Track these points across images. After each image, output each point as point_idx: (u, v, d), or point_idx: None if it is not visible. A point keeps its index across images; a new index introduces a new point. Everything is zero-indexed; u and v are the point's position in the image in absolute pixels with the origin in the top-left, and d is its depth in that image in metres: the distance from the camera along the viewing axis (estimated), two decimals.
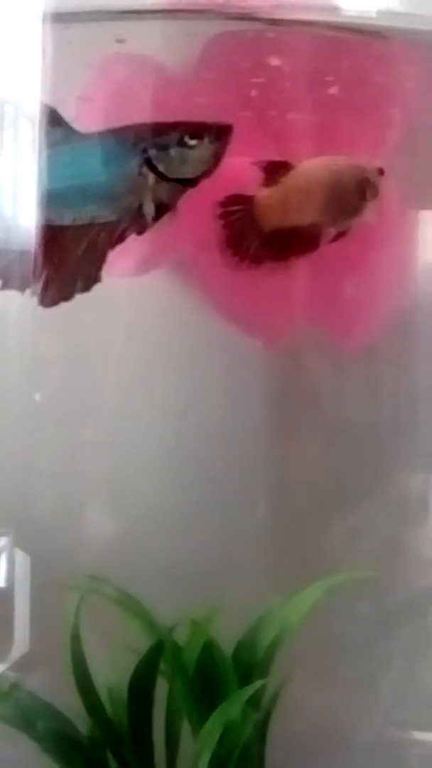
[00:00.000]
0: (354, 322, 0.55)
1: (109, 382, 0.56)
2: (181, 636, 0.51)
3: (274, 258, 0.44)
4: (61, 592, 0.51)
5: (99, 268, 0.43)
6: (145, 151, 0.40)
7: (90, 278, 0.44)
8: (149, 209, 0.41)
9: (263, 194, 0.42)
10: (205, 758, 0.48)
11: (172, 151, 0.40)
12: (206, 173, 0.41)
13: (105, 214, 0.42)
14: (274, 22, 0.41)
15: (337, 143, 0.45)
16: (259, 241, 0.43)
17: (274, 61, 0.40)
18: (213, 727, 0.48)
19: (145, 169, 0.41)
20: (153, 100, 0.44)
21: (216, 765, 0.48)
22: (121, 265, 0.51)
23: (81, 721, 0.51)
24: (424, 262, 0.54)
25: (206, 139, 0.40)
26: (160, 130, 0.40)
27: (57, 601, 0.51)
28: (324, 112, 0.43)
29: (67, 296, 0.44)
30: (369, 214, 0.44)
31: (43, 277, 0.43)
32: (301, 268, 0.53)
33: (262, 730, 0.51)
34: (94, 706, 0.51)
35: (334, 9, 0.39)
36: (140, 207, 0.42)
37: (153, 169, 0.41)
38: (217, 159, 0.41)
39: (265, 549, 0.56)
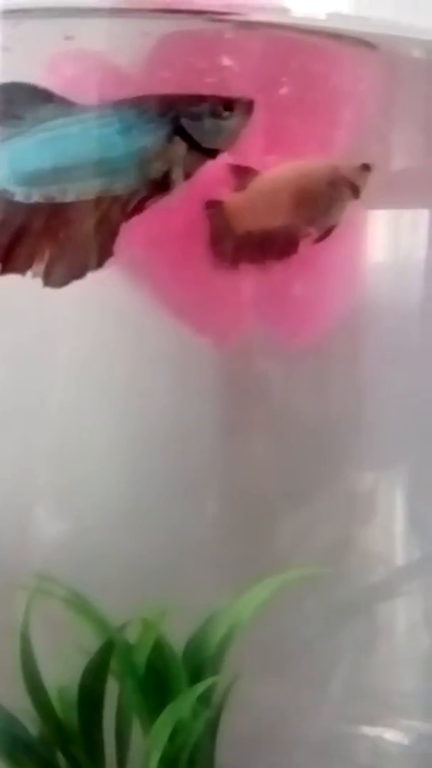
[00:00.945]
0: (303, 320, 0.56)
1: (58, 380, 0.55)
2: (132, 635, 0.51)
3: (250, 260, 0.44)
4: (10, 593, 0.51)
5: (112, 241, 0.42)
6: (176, 119, 0.40)
7: (103, 253, 0.42)
8: (178, 176, 0.40)
9: (232, 198, 0.42)
10: (156, 757, 0.48)
11: (206, 122, 0.40)
12: (228, 146, 0.41)
13: (119, 186, 0.41)
14: (224, 21, 0.41)
15: (288, 143, 0.45)
16: (234, 243, 0.43)
17: (226, 61, 0.40)
18: (163, 726, 0.49)
19: (177, 138, 0.40)
20: (103, 97, 0.44)
21: (166, 763, 0.49)
22: None
23: (30, 721, 0.51)
24: (373, 261, 0.55)
25: (236, 111, 0.40)
26: (191, 99, 0.40)
27: (6, 601, 0.51)
28: (275, 113, 0.43)
29: (78, 274, 0.42)
30: (351, 212, 0.44)
31: (47, 257, 0.42)
32: (250, 267, 0.53)
33: (212, 728, 0.51)
34: (43, 706, 0.51)
35: (284, 11, 0.39)
36: (165, 176, 0.40)
37: (186, 137, 0.40)
38: (240, 133, 0.40)
39: (216, 547, 0.56)
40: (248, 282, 0.54)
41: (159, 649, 0.50)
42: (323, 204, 0.43)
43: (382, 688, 0.57)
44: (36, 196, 0.41)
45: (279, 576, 0.52)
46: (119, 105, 0.40)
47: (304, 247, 0.46)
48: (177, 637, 0.51)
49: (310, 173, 0.43)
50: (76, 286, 0.53)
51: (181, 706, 0.49)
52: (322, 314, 0.56)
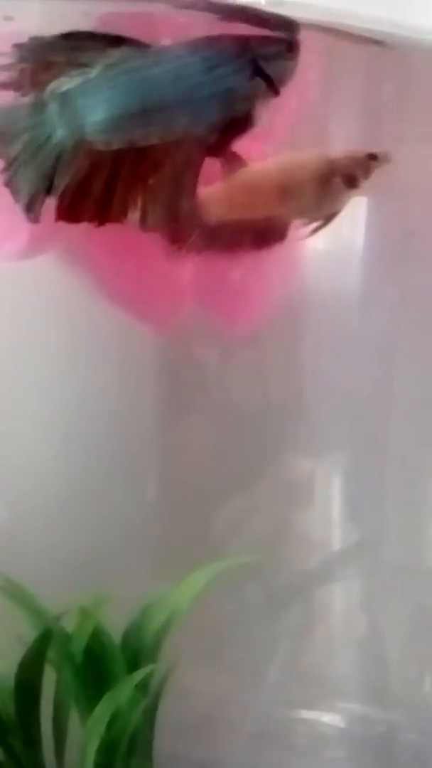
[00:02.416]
0: (242, 308, 0.56)
1: None
2: (70, 624, 0.50)
3: (222, 250, 0.44)
4: None
5: (196, 182, 0.41)
6: (255, 60, 0.39)
7: (191, 194, 0.41)
8: (258, 115, 0.40)
9: (208, 189, 0.42)
10: (93, 745, 0.48)
11: (278, 62, 0.39)
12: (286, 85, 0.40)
13: (202, 127, 0.40)
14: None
15: None
16: (201, 232, 0.43)
17: (166, 43, 0.40)
18: (101, 714, 0.48)
19: (258, 78, 0.39)
20: None
21: (104, 751, 0.48)
22: (8, 248, 0.50)
23: None
24: (312, 249, 0.55)
25: (296, 52, 0.39)
26: (263, 40, 0.39)
27: None
28: None
29: (172, 217, 0.41)
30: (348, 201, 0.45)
31: (140, 203, 0.40)
32: (189, 255, 0.53)
33: (150, 715, 0.51)
34: None
35: None
36: (246, 115, 0.40)
37: (266, 78, 0.40)
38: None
39: (154, 534, 0.56)
40: (188, 270, 0.54)
41: (97, 637, 0.50)
42: (312, 196, 0.44)
43: (319, 672, 0.57)
44: (117, 143, 0.40)
45: (217, 563, 0.52)
46: (197, 46, 0.39)
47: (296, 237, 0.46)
48: (115, 626, 0.51)
49: (295, 166, 0.43)
50: (14, 273, 0.53)
51: (120, 694, 0.49)
52: (261, 302, 0.56)
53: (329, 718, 0.57)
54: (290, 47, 0.39)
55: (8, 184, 0.39)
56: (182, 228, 0.42)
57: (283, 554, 0.57)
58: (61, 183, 0.40)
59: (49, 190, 0.40)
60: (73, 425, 0.56)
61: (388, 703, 0.57)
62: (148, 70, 0.40)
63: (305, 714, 0.57)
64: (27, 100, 0.40)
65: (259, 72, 0.39)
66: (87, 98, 0.40)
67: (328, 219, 0.45)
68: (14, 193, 0.40)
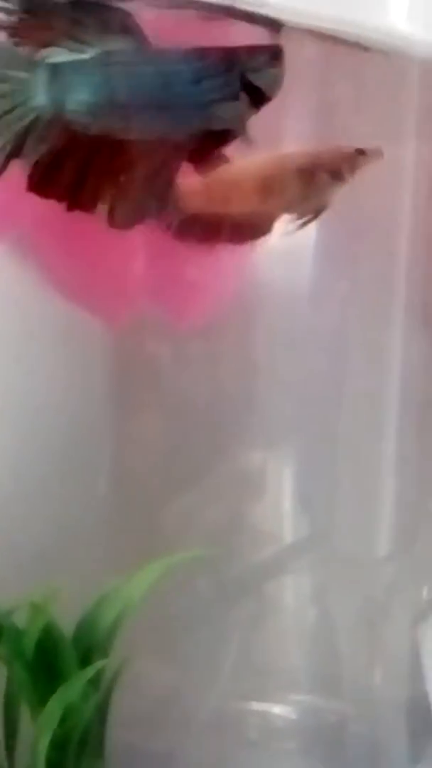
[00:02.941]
0: (193, 302, 0.56)
1: None
2: (21, 619, 0.50)
3: (198, 241, 0.45)
4: None
5: (170, 189, 0.41)
6: (243, 75, 0.39)
7: (162, 200, 0.41)
8: (239, 130, 0.40)
9: (187, 180, 0.42)
10: (45, 740, 0.48)
11: (266, 71, 0.39)
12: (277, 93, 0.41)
13: (182, 133, 0.40)
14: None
15: None
16: (178, 222, 0.43)
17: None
18: (53, 710, 0.48)
19: (243, 94, 0.39)
20: None
21: (56, 747, 0.48)
22: None
23: None
24: (263, 243, 0.55)
25: (282, 60, 0.39)
26: (251, 51, 0.39)
27: None
28: None
29: (139, 219, 0.41)
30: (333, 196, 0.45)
31: (109, 198, 0.40)
32: (139, 248, 0.53)
33: (103, 710, 0.51)
34: None
35: None
36: (226, 130, 0.40)
37: (250, 90, 0.39)
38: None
39: (106, 528, 0.56)
40: (138, 263, 0.53)
41: (48, 632, 0.50)
42: (297, 191, 0.44)
43: (270, 664, 0.58)
44: (95, 128, 0.39)
45: (169, 557, 0.52)
46: (189, 55, 0.39)
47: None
48: (67, 620, 0.50)
49: (278, 163, 0.44)
50: None
51: (72, 689, 0.49)
52: (213, 296, 0.56)
53: (281, 710, 0.57)
54: (276, 55, 0.40)
55: None
56: (160, 216, 0.42)
57: (236, 547, 0.57)
58: (32, 151, 0.39)
59: (17, 153, 0.39)
60: (22, 418, 0.56)
61: (339, 695, 0.57)
62: (141, 67, 0.40)
63: (257, 706, 0.57)
64: (16, 51, 0.40)
65: (247, 86, 0.39)
66: (76, 76, 0.40)
67: (316, 213, 0.45)
68: None
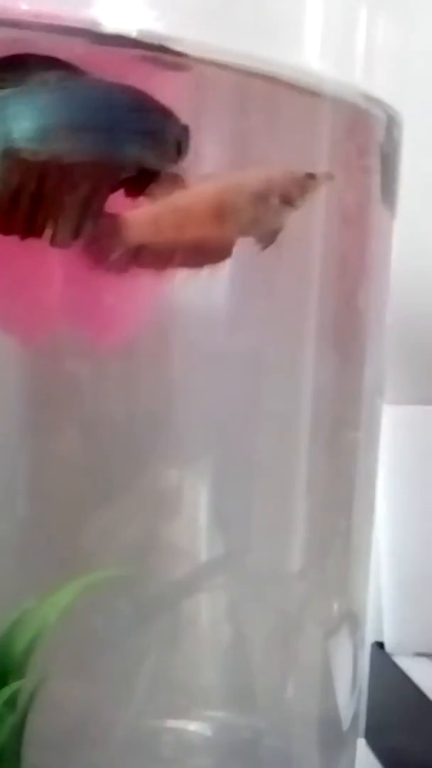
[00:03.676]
0: (111, 321, 0.56)
1: None
2: None
3: (158, 268, 0.46)
4: None
5: (99, 212, 0.43)
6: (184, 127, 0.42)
7: (84, 223, 0.42)
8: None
9: (132, 211, 0.43)
10: None
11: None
12: None
13: (117, 161, 0.41)
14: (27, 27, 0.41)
15: None
16: (123, 253, 0.44)
17: None
18: None
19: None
20: None
21: None
22: None
23: None
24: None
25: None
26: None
27: None
28: None
29: (74, 237, 0.42)
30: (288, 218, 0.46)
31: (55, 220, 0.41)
32: (56, 266, 0.53)
33: (18, 731, 0.51)
34: None
35: (95, 24, 0.40)
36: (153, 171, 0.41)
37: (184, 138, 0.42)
38: None
39: (21, 548, 0.56)
40: (55, 281, 0.53)
41: None
42: (250, 215, 0.45)
43: (185, 681, 0.58)
44: (44, 155, 0.40)
45: (85, 577, 0.52)
46: (128, 87, 0.41)
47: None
48: None
49: (232, 188, 0.45)
50: None
51: None
52: (130, 316, 0.56)
53: (196, 727, 0.58)
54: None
55: None
56: (101, 248, 0.43)
57: (152, 565, 0.57)
58: None
59: None
60: None
61: (253, 710, 0.58)
62: (81, 91, 0.40)
63: (172, 723, 0.58)
64: None
65: (181, 132, 0.41)
66: (18, 105, 0.40)
67: (271, 236, 0.46)
68: None
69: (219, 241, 0.46)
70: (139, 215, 0.44)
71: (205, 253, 0.46)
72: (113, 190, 0.42)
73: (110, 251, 0.44)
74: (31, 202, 0.40)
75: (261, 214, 0.45)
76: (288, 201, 0.45)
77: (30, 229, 0.41)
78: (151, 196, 0.43)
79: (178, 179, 0.43)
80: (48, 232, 0.42)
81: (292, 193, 0.45)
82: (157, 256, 0.46)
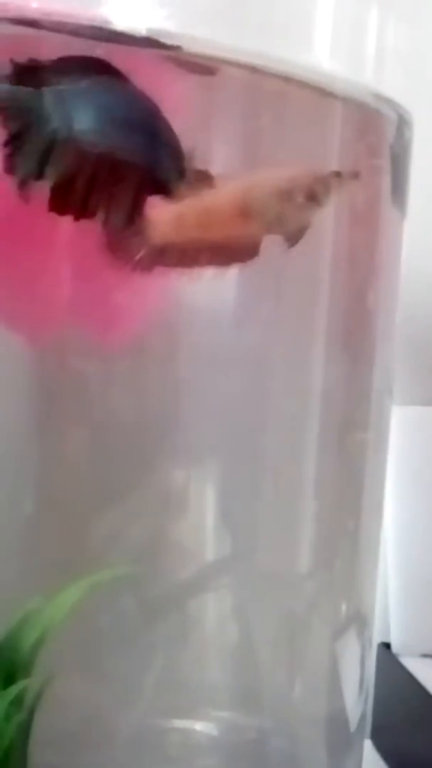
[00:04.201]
0: (118, 320, 0.56)
1: None
2: None
3: (185, 267, 0.47)
4: None
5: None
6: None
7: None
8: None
9: (157, 210, 0.44)
10: None
11: None
12: None
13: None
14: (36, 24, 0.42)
15: None
16: (148, 252, 0.45)
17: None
18: None
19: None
20: None
21: None
22: None
23: None
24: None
25: None
26: None
27: None
28: None
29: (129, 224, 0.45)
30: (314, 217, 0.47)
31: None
32: (62, 264, 0.53)
33: (25, 729, 0.51)
34: None
35: (105, 22, 0.40)
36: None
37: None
38: None
39: (29, 547, 0.56)
40: (63, 280, 0.53)
41: None
42: (276, 212, 0.46)
43: (192, 681, 0.58)
44: (100, 147, 0.43)
45: (93, 576, 0.52)
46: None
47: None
48: None
49: (258, 185, 0.45)
50: None
51: None
52: (138, 315, 0.56)
53: (202, 727, 0.58)
54: None
55: (8, 158, 0.43)
56: (128, 246, 0.45)
57: (159, 565, 0.57)
58: (52, 172, 0.44)
59: (40, 175, 0.44)
60: None
61: (259, 710, 0.58)
62: (130, 96, 0.44)
63: (178, 723, 0.58)
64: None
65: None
66: (78, 101, 0.44)
67: (298, 234, 0.47)
68: (12, 168, 0.43)
69: (245, 240, 0.47)
70: (163, 214, 0.45)
71: (231, 251, 0.47)
72: (152, 192, 0.45)
73: (135, 250, 0.45)
74: (86, 186, 0.43)
75: (286, 211, 0.46)
76: (313, 198, 0.46)
77: (83, 210, 0.44)
78: (177, 195, 0.44)
79: (207, 177, 0.44)
80: (100, 216, 0.44)
81: (317, 190, 0.46)
82: (183, 255, 0.47)
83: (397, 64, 0.56)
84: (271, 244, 0.54)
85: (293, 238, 0.47)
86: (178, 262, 0.47)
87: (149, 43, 0.42)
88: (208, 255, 0.47)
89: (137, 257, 0.46)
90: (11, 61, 0.42)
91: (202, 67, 0.42)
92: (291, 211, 0.46)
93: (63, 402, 0.58)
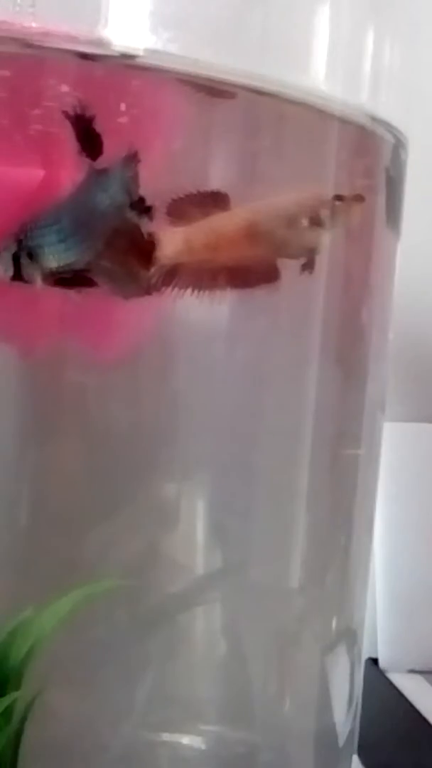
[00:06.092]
0: (111, 335, 0.56)
1: None
2: None
3: (201, 286, 0.48)
4: None
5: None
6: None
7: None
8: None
9: (167, 233, 0.45)
10: None
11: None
12: None
13: None
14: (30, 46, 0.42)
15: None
16: (158, 273, 0.46)
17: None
18: None
19: None
20: None
21: None
22: None
23: None
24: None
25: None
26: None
27: None
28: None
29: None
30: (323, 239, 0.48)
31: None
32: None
33: (15, 741, 0.51)
34: None
35: (105, 44, 0.40)
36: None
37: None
38: None
39: (21, 558, 0.56)
40: (55, 294, 0.54)
41: None
42: (281, 236, 0.46)
43: (182, 695, 0.58)
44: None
45: (85, 588, 0.53)
46: None
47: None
48: None
49: (263, 210, 0.46)
50: None
51: None
52: (131, 329, 0.56)
53: (191, 740, 0.58)
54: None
55: None
56: (136, 270, 0.46)
57: (151, 578, 0.57)
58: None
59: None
60: None
61: (249, 725, 0.58)
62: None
63: (167, 737, 0.58)
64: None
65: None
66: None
67: (309, 255, 0.48)
68: None
69: (260, 263, 0.47)
70: (170, 235, 0.45)
71: (250, 274, 0.48)
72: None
73: (143, 270, 0.46)
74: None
75: (292, 235, 0.46)
76: (317, 222, 0.46)
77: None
78: (191, 216, 0.45)
79: (223, 198, 0.45)
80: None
81: (321, 214, 0.46)
82: (197, 277, 0.47)
83: (393, 86, 0.57)
84: None
85: (308, 266, 0.48)
86: (192, 283, 0.48)
87: (150, 64, 0.42)
88: (226, 277, 0.48)
89: (149, 278, 0.47)
90: None
91: (202, 88, 0.43)
92: (296, 235, 0.46)
93: (57, 415, 0.58)
